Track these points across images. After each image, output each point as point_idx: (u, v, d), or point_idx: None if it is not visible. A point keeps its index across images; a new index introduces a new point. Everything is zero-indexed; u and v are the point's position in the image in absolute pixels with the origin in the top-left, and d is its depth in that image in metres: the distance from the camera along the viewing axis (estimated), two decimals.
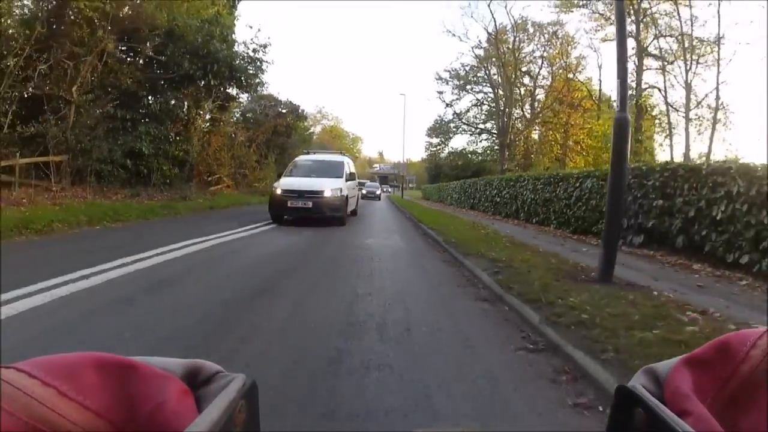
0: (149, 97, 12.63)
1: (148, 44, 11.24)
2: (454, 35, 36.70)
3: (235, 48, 15.26)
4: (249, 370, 2.16)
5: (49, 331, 2.91)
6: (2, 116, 9.06)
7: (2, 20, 8.70)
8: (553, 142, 33.24)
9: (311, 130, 41.04)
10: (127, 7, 10.39)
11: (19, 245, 5.90)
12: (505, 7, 41.69)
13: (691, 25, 23.08)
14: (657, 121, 26.65)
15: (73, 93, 10.19)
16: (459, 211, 18.44)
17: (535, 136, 35.20)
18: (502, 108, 31.78)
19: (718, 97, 22.37)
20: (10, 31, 8.93)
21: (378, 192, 32.64)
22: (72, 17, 9.73)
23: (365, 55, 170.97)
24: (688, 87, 23.15)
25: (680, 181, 6.35)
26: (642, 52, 24.57)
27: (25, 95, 9.63)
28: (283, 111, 23.69)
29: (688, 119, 23.09)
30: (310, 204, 10.05)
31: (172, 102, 13.63)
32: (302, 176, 11.06)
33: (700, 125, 23.69)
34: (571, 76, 31.06)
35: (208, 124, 15.83)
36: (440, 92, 38.75)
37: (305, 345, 2.83)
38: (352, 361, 2.54)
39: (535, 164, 31.17)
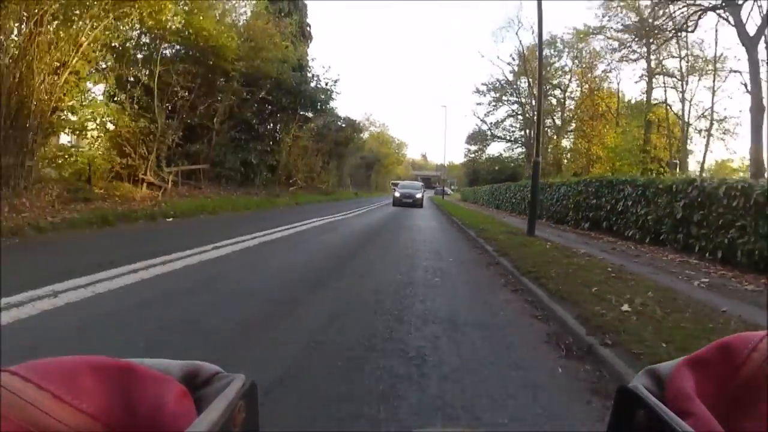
0: (258, 124, 17.62)
1: (261, 89, 16.19)
2: (484, 57, 40.68)
3: (312, 83, 20.18)
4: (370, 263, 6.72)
5: (250, 254, 6.08)
6: (175, 138, 13.95)
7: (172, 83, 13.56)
8: (581, 151, 36.85)
9: (362, 136, 45.98)
10: (250, 67, 15.23)
11: (201, 220, 10.51)
12: (532, 32, 45.44)
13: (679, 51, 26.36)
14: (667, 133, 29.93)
15: (215, 123, 15.21)
16: (484, 209, 22.93)
17: (566, 143, 38.86)
18: (529, 119, 35.62)
19: (712, 112, 25.70)
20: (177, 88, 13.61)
21: (419, 195, 23.47)
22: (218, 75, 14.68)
23: (411, 64, 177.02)
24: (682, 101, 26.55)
25: (604, 188, 10.60)
26: (651, 72, 28.02)
27: (188, 123, 14.49)
28: (343, 126, 28.56)
29: (685, 133, 26.44)
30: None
31: (269, 126, 18.61)
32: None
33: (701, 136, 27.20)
34: (589, 87, 34.59)
35: (291, 140, 20.77)
36: (479, 104, 43.06)
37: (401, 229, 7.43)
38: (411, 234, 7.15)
39: (566, 171, 34.74)
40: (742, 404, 0.37)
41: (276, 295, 3.97)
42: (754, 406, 0.36)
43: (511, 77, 38.64)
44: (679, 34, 22.33)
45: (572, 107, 37.37)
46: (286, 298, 3.87)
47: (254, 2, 16.86)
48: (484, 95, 40.61)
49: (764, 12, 14.97)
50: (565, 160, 37.96)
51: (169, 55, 12.88)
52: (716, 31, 25.28)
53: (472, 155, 46.00)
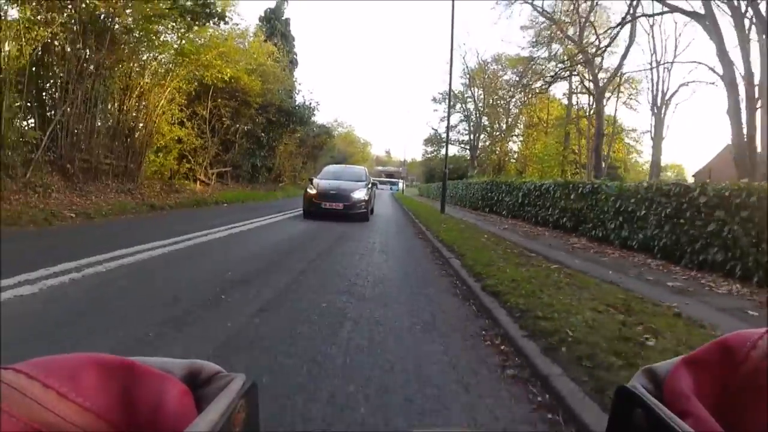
0: (262, 136, 24.29)
1: (268, 112, 22.89)
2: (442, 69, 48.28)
3: (299, 102, 26.97)
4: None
5: (246, 234, 12.50)
6: (214, 151, 20.52)
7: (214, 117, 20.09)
8: (521, 153, 44.52)
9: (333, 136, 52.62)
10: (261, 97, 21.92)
11: (220, 208, 17.35)
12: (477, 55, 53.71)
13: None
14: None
15: (236, 138, 21.86)
16: (429, 200, 30.20)
17: (514, 146, 46.56)
18: (473, 128, 43.30)
19: (614, 121, 33.60)
20: (220, 116, 20.22)
21: (359, 196, 12.77)
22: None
23: (376, 62, 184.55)
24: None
25: (493, 187, 17.83)
26: (571, 91, 35.79)
27: (223, 139, 21.06)
28: (318, 132, 35.31)
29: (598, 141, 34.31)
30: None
31: (269, 137, 25.31)
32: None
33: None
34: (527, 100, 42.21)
35: (282, 147, 27.40)
36: (435, 110, 50.58)
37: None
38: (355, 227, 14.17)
39: (507, 171, 42.23)
40: (743, 402, 0.38)
41: (299, 240, 10.77)
42: (754, 404, 0.37)
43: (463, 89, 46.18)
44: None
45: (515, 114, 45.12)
46: (306, 240, 10.69)
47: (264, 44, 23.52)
48: (440, 103, 48.06)
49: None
50: (513, 160, 45.49)
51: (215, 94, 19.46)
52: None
53: (429, 155, 53.62)
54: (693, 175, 38.16)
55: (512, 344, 3.11)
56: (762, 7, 12.11)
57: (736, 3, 12.87)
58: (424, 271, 6.12)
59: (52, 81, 12.55)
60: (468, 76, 41.94)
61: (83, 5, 11.50)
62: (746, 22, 12.92)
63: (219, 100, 19.24)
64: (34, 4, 11.07)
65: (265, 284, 4.40)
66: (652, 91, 26.74)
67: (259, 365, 2.56)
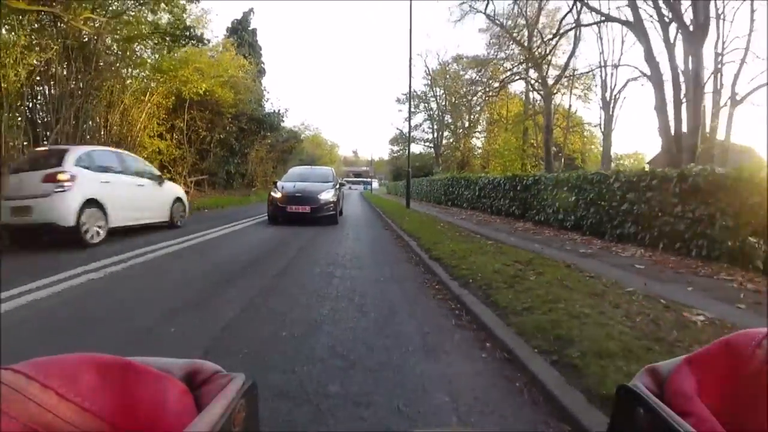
0: (235, 144, 25.62)
1: (240, 121, 24.25)
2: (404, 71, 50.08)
3: (268, 109, 28.37)
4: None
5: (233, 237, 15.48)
6: (191, 160, 21.83)
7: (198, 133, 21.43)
8: (484, 149, 46.70)
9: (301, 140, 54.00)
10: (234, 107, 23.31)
11: (204, 213, 18.74)
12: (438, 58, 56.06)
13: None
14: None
15: (211, 147, 23.18)
16: (397, 197, 31.91)
17: (478, 143, 48.69)
18: (436, 126, 45.32)
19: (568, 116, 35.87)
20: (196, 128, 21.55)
21: (326, 196, 12.34)
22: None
23: (339, 64, 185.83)
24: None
25: (453, 182, 19.64)
26: (527, 89, 37.98)
27: (199, 149, 22.39)
28: (287, 137, 36.68)
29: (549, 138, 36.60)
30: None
31: (241, 144, 26.64)
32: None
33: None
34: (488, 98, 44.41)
35: (254, 153, 28.76)
36: (400, 110, 52.44)
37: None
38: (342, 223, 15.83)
39: (472, 167, 44.31)
40: (744, 402, 0.38)
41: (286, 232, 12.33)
42: (758, 402, 0.37)
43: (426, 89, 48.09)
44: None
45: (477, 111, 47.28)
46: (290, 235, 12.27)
47: (233, 56, 24.88)
48: (403, 104, 49.84)
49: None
50: (476, 156, 47.57)
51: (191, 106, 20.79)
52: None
53: (395, 154, 55.52)
54: (648, 162, 40.79)
55: (442, 284, 4.81)
56: (688, 15, 13.94)
57: (660, 12, 14.94)
58: (388, 251, 7.81)
59: (42, 101, 13.77)
60: (429, 77, 43.76)
61: (71, 30, 12.73)
62: (672, 29, 14.94)
63: (195, 112, 20.62)
64: (29, 31, 12.34)
65: (274, 264, 6.00)
66: (602, 87, 29.08)
67: (284, 302, 4.17)
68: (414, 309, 4.01)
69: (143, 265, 5.73)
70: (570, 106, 36.55)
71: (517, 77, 27.29)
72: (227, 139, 23.95)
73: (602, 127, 30.41)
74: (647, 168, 10.34)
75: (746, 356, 0.38)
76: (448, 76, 44.94)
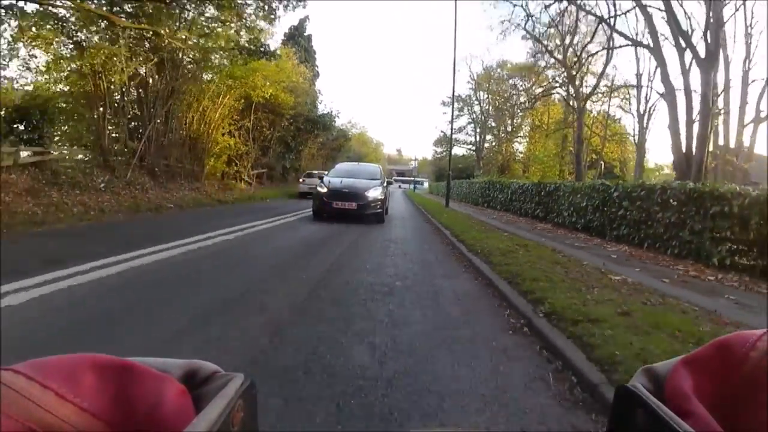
0: (291, 141, 28.45)
1: (297, 121, 27.06)
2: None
3: (321, 111, 31.16)
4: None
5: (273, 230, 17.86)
6: (255, 155, 24.70)
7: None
8: (526, 155, 48.31)
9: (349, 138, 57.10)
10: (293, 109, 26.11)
11: (253, 205, 21.42)
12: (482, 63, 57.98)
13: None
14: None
15: (271, 144, 26.04)
16: (438, 197, 34.19)
17: (520, 147, 50.29)
18: (479, 130, 47.28)
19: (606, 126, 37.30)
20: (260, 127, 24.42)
21: (375, 194, 12.57)
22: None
23: (386, 63, 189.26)
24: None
25: (489, 186, 21.81)
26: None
27: (262, 145, 25.30)
28: (336, 136, 39.49)
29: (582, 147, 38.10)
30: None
31: (296, 141, 29.50)
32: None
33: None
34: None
35: (307, 150, 31.63)
36: (444, 113, 54.57)
37: None
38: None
39: (513, 171, 46.05)
40: (742, 402, 0.38)
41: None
42: (753, 404, 0.37)
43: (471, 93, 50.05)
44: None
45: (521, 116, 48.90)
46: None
47: (295, 63, 27.74)
48: (448, 107, 51.89)
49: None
50: (517, 160, 49.16)
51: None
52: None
53: (438, 155, 57.77)
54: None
55: (462, 254, 7.24)
56: (701, 46, 15.78)
57: (677, 40, 16.78)
58: (426, 236, 10.28)
59: (138, 104, 16.72)
60: (474, 81, 45.74)
61: (166, 44, 15.57)
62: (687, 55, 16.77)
63: (260, 113, 23.48)
64: (129, 44, 15.17)
65: (347, 239, 8.51)
66: (637, 100, 30.66)
67: (360, 257, 6.61)
68: (441, 264, 6.57)
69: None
70: (608, 114, 37.88)
71: (553, 91, 29.01)
72: (285, 136, 26.78)
73: (636, 138, 31.90)
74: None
75: (741, 357, 0.39)
76: (492, 81, 46.74)
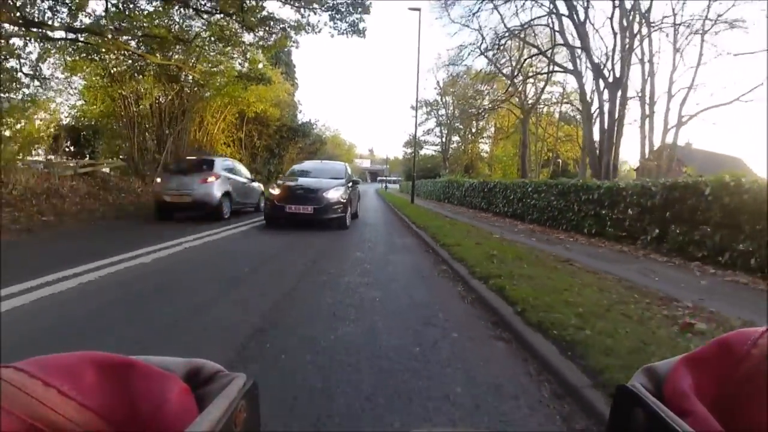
0: (275, 148, 32.59)
1: (282, 130, 31.26)
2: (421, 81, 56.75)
3: (301, 120, 35.37)
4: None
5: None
6: (246, 162, 28.83)
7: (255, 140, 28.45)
8: (490, 155, 53.06)
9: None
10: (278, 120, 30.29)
11: None
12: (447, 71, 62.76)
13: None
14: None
15: (259, 151, 30.22)
16: (406, 195, 38.64)
17: (486, 147, 54.88)
18: (445, 131, 52.05)
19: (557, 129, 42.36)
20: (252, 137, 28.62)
21: (336, 195, 11.31)
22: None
23: (357, 66, 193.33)
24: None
25: (450, 184, 26.40)
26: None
27: (251, 153, 29.45)
28: (313, 141, 43.67)
29: (527, 150, 43.13)
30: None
31: (279, 148, 33.66)
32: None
33: None
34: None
35: (288, 155, 35.86)
36: (412, 116, 59.25)
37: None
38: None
39: (478, 170, 50.57)
40: (743, 400, 0.38)
41: None
42: (754, 402, 0.38)
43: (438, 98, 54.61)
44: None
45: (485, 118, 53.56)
46: None
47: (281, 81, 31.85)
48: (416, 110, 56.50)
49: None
50: (482, 160, 53.76)
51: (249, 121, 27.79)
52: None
53: (408, 156, 62.39)
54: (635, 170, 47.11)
55: (413, 230, 11.67)
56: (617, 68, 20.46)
57: (591, 64, 21.59)
58: (391, 221, 14.65)
59: (160, 122, 20.79)
60: (440, 87, 50.48)
61: (184, 78, 19.71)
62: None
63: (251, 125, 27.66)
64: (151, 78, 19.20)
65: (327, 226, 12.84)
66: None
67: (335, 257, 11.03)
68: (398, 233, 11.15)
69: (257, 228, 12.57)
70: (560, 116, 42.90)
71: (502, 103, 33.84)
72: (270, 144, 30.99)
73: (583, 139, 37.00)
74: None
75: (742, 355, 0.39)
76: (458, 86, 51.09)
